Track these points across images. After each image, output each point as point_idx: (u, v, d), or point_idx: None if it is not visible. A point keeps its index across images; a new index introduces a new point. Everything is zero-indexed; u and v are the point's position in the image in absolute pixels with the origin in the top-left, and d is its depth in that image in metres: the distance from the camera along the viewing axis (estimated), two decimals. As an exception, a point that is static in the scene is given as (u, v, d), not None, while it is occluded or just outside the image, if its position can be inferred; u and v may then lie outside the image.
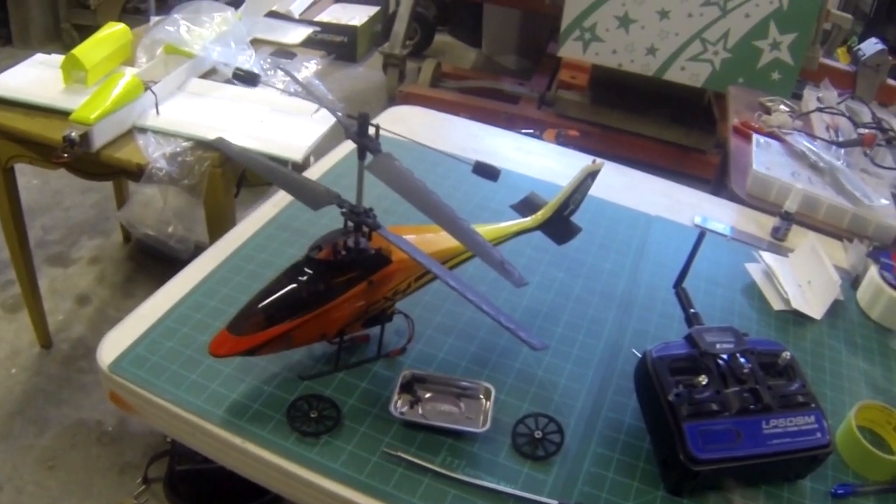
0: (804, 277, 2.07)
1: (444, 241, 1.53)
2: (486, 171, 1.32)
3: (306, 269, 1.38)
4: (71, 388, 3.29)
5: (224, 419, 1.41)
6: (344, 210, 1.37)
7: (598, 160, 1.75)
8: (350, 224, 1.39)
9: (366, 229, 1.40)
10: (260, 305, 1.36)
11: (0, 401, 3.20)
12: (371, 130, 1.34)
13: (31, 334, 3.45)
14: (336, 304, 1.39)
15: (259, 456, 1.38)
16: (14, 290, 3.66)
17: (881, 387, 1.81)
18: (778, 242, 2.29)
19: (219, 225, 2.63)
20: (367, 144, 1.32)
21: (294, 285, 1.37)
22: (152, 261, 3.98)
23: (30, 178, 2.87)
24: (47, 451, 3.01)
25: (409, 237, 1.41)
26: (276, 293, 1.37)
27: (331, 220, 1.44)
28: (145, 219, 3.21)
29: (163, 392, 1.45)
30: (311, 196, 1.40)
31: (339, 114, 1.44)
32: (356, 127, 1.31)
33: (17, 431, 3.08)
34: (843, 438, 1.60)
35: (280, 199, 1.98)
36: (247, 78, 1.47)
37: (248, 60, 2.99)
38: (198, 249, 1.75)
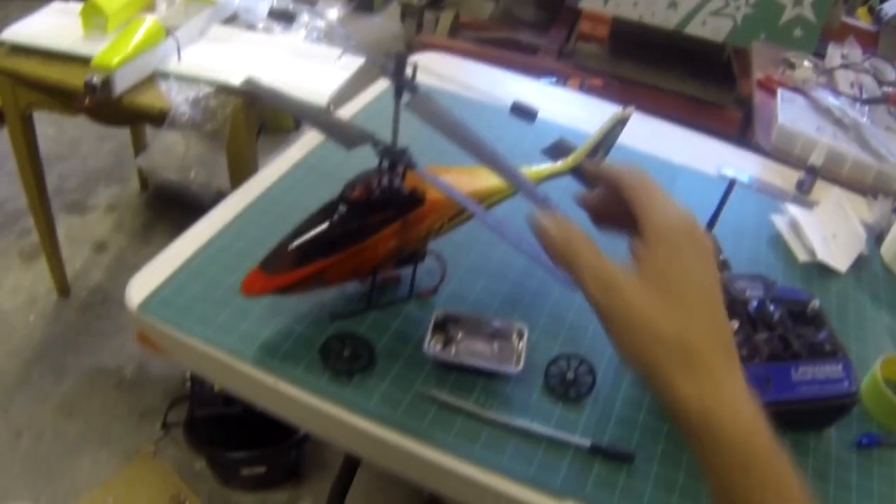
0: (829, 231, 2.07)
1: (477, 181, 1.53)
2: (524, 112, 1.31)
3: (340, 208, 1.38)
4: (89, 334, 3.31)
5: (256, 358, 1.41)
6: (379, 150, 1.37)
7: (629, 107, 1.74)
8: (385, 164, 1.39)
9: (400, 169, 1.40)
10: (294, 244, 1.36)
11: (19, 348, 3.22)
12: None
13: (48, 282, 3.47)
14: (370, 243, 1.38)
15: (292, 395, 1.38)
16: (31, 238, 3.68)
17: (906, 340, 1.81)
18: (802, 196, 2.29)
19: (241, 170, 2.63)
20: (404, 84, 1.31)
21: (328, 224, 1.37)
22: (170, 208, 3.99)
23: (45, 127, 2.88)
24: (66, 397, 3.04)
25: (444, 178, 1.41)
26: (310, 232, 1.37)
27: (357, 162, 1.43)
28: (168, 164, 3.22)
29: (193, 332, 1.44)
30: (345, 136, 1.39)
31: (377, 57, 1.44)
32: (393, 67, 1.30)
33: (36, 378, 3.10)
34: (868, 390, 1.60)
35: (306, 142, 1.97)
36: (282, 16, 1.46)
37: (269, 6, 2.98)
38: (219, 196, 1.74)
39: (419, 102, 1.29)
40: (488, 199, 1.55)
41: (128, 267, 3.64)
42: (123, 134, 4.22)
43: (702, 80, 4.48)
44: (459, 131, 1.29)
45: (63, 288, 3.48)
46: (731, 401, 0.87)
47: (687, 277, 0.91)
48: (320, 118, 1.53)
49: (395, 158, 1.37)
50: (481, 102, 1.37)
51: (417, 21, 5.29)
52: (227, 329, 1.45)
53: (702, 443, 0.87)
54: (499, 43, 4.76)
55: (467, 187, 1.48)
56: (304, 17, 2.96)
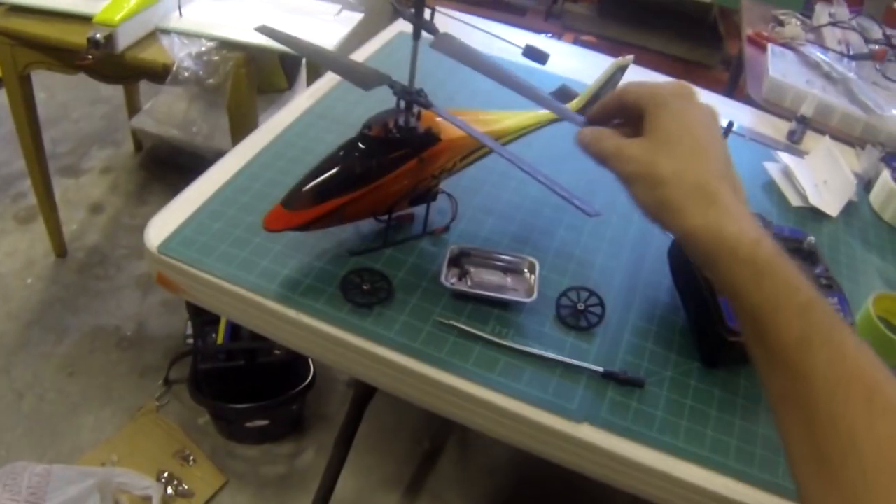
0: (820, 177, 2.12)
1: (491, 124, 1.58)
2: (536, 55, 1.35)
3: (359, 146, 1.41)
4: (87, 295, 3.34)
5: (277, 293, 1.45)
6: (396, 90, 1.41)
7: (628, 56, 1.79)
8: (402, 104, 1.43)
9: (416, 109, 1.44)
10: (314, 181, 1.39)
11: (18, 310, 3.24)
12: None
13: (45, 244, 3.49)
14: (388, 180, 1.42)
15: (314, 327, 1.41)
16: (25, 202, 3.70)
17: (894, 281, 1.87)
18: (794, 145, 2.34)
19: (242, 126, 2.66)
20: (424, 25, 1.35)
21: (347, 161, 1.40)
22: (165, 169, 4.01)
23: (36, 91, 2.88)
24: (66, 358, 3.06)
25: (459, 118, 1.45)
26: (329, 170, 1.40)
27: (367, 109, 1.47)
28: (170, 120, 3.24)
29: (214, 269, 1.48)
30: (363, 77, 1.43)
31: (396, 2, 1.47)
32: (413, 7, 1.34)
33: (36, 340, 3.12)
34: (862, 326, 1.65)
35: (315, 91, 2.00)
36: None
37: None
38: (219, 155, 1.77)
39: (442, 40, 1.34)
40: (500, 139, 1.60)
41: (124, 228, 3.66)
42: (115, 97, 4.23)
43: (689, 42, 4.52)
44: (487, 63, 1.34)
45: (60, 250, 3.49)
46: (736, 222, 0.98)
47: (686, 130, 1.07)
48: (338, 61, 1.57)
49: (412, 98, 1.41)
50: (480, 52, 1.41)
51: (401, -20, 5.31)
52: (248, 266, 1.49)
53: (716, 263, 0.98)
54: (487, 3, 4.79)
55: (481, 128, 1.52)
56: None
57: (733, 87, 3.63)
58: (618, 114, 1.20)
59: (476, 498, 2.75)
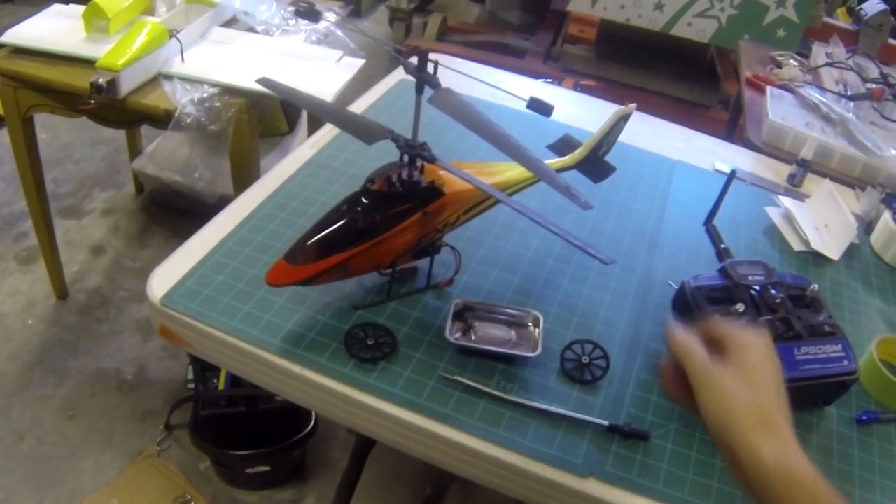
0: (821, 221, 2.13)
1: (493, 176, 1.59)
2: (541, 107, 1.36)
3: (363, 200, 1.42)
4: (89, 337, 3.33)
5: (281, 348, 1.45)
6: (399, 144, 1.41)
7: (631, 104, 1.80)
8: (405, 158, 1.43)
9: (419, 163, 1.44)
10: (317, 236, 1.40)
11: (18, 352, 3.23)
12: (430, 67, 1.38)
13: (46, 286, 3.48)
14: (391, 235, 1.43)
15: (318, 382, 1.41)
16: (27, 242, 3.69)
17: (897, 324, 1.87)
18: (794, 188, 2.35)
19: (244, 171, 2.67)
20: (426, 80, 1.35)
21: (351, 216, 1.41)
22: (166, 212, 4.01)
23: (38, 132, 2.88)
24: (67, 400, 3.05)
25: (468, 172, 1.46)
26: (333, 224, 1.41)
27: (370, 159, 1.49)
28: (172, 165, 3.25)
29: (217, 323, 1.48)
30: (365, 130, 1.43)
31: (398, 53, 1.48)
32: (416, 63, 1.35)
33: (37, 382, 3.11)
34: (865, 369, 1.66)
35: (317, 141, 2.01)
36: (308, 14, 1.50)
37: (268, 9, 3.01)
38: (221, 201, 1.78)
39: (441, 97, 1.34)
40: (504, 192, 1.60)
41: (125, 270, 3.66)
42: (117, 139, 4.24)
43: (687, 82, 4.53)
44: (483, 123, 1.34)
45: (61, 291, 3.49)
46: (796, 455, 1.07)
47: (761, 369, 1.16)
48: (338, 114, 1.58)
49: (415, 152, 1.41)
50: (483, 100, 1.42)
51: (406, 25, 5.33)
52: (251, 320, 1.49)
53: (777, 491, 1.04)
54: (486, 46, 4.80)
55: (485, 180, 1.53)
56: (300, 23, 3.00)
57: (732, 129, 3.64)
58: (702, 338, 1.23)
59: (478, 543, 2.75)
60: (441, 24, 5.06)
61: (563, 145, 1.86)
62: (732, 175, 1.75)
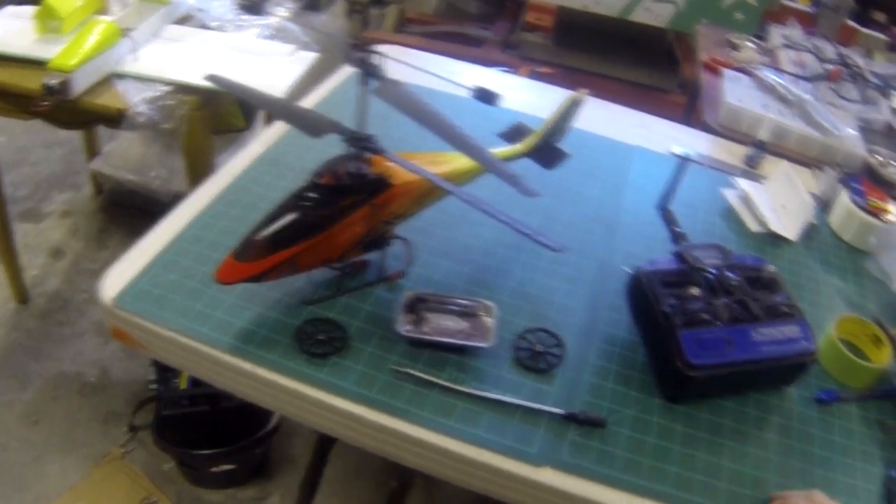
0: (779, 202, 2.13)
1: (438, 166, 1.57)
2: (487, 96, 1.35)
3: (310, 195, 1.41)
4: (50, 341, 3.30)
5: (232, 346, 1.44)
6: (346, 137, 1.40)
7: (583, 90, 1.79)
8: (352, 150, 1.42)
9: (366, 155, 1.43)
10: (265, 231, 1.39)
11: (-21, 357, 3.20)
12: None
13: (5, 290, 3.44)
14: (340, 228, 1.42)
15: (269, 379, 1.40)
16: (-16, 248, 3.65)
17: (856, 303, 1.88)
18: (751, 170, 2.35)
19: (198, 168, 2.65)
20: (371, 71, 1.34)
21: (298, 210, 1.40)
22: (125, 212, 3.97)
23: (-5, 135, 2.87)
24: (30, 405, 3.02)
25: (411, 161, 1.45)
26: (281, 219, 1.39)
27: (319, 153, 1.46)
28: (126, 164, 3.22)
29: (168, 323, 1.47)
30: (312, 124, 1.43)
31: (345, 44, 1.46)
32: (360, 54, 1.34)
33: (-1, 387, 3.09)
34: (824, 349, 1.66)
35: (267, 138, 2.00)
36: (252, 6, 1.48)
37: (222, 5, 2.99)
38: (176, 196, 1.76)
39: (386, 88, 1.33)
40: (453, 182, 1.59)
41: (85, 272, 3.63)
42: (74, 140, 4.20)
43: (646, 67, 4.52)
44: (428, 115, 1.33)
45: (21, 296, 3.45)
46: None
47: None
48: (287, 109, 1.56)
49: (362, 144, 1.40)
50: (436, 90, 1.41)
51: (363, 18, 5.31)
52: (202, 319, 1.48)
53: None
54: (444, 37, 4.78)
55: (435, 170, 1.52)
56: (268, 14, 2.98)
57: (690, 113, 3.64)
58: None
59: (446, 535, 2.75)
60: (399, 16, 5.03)
61: (515, 133, 1.86)
62: (685, 159, 1.75)
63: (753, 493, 1.38)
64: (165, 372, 2.74)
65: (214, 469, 2.71)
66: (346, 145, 1.42)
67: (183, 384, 2.71)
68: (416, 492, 2.81)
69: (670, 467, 1.38)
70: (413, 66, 1.53)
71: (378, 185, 1.44)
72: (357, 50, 1.34)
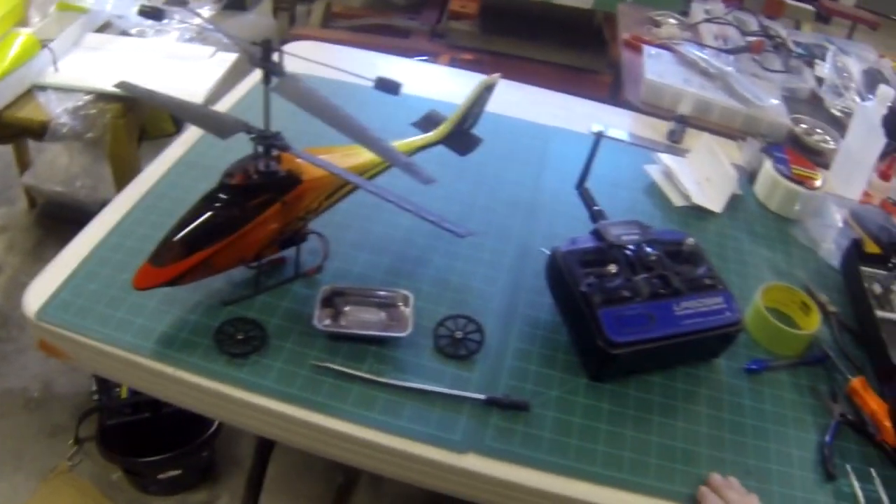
0: (702, 175, 2.14)
1: (351, 159, 1.57)
2: (388, 86, 1.35)
3: (220, 196, 1.41)
4: (-9, 358, 3.28)
5: (154, 351, 1.43)
6: (253, 136, 1.40)
7: (494, 74, 1.79)
8: (260, 149, 1.42)
9: (275, 153, 1.43)
10: (179, 235, 1.38)
11: (-82, 378, 3.17)
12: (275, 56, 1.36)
13: (-56, 309, 3.42)
14: (252, 227, 1.41)
15: (193, 382, 1.40)
16: (-79, 266, 3.62)
17: (783, 270, 1.90)
18: (674, 145, 2.36)
19: (125, 176, 2.62)
20: (271, 69, 1.34)
21: (210, 212, 1.40)
22: (60, 223, 3.94)
23: (-73, 153, 2.85)
24: (-26, 424, 3.00)
25: (320, 156, 1.45)
26: (193, 222, 1.39)
27: (238, 153, 1.46)
28: (53, 177, 3.20)
29: (91, 332, 1.46)
30: (219, 125, 1.42)
31: (246, 42, 1.46)
32: (261, 53, 1.33)
33: (-59, 407, 3.06)
34: (752, 318, 1.68)
35: (186, 139, 1.99)
36: (153, 13, 1.48)
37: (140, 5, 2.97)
38: (105, 205, 1.76)
39: (286, 85, 1.33)
40: (365, 173, 1.59)
41: (24, 287, 3.55)
42: (6, 154, 4.17)
43: (576, 49, 4.52)
44: (327, 110, 1.33)
45: (-40, 315, 3.44)
46: None
47: None
48: (194, 111, 1.56)
49: (268, 142, 1.40)
50: (353, 84, 1.41)
51: (290, 14, 5.28)
52: (124, 326, 1.47)
53: None
54: (372, 29, 4.77)
55: (343, 163, 1.52)
56: (176, 18, 2.97)
57: (617, 92, 3.65)
58: None
59: (397, 527, 2.75)
60: (325, 11, 5.00)
61: (428, 122, 1.86)
62: (599, 136, 1.75)
63: (685, 467, 1.39)
64: (106, 382, 2.73)
65: (161, 476, 2.70)
66: (254, 144, 1.42)
67: (124, 393, 2.69)
68: (363, 486, 2.81)
69: (598, 447, 1.39)
70: (317, 62, 1.53)
71: (288, 182, 1.44)
72: (259, 49, 1.34)
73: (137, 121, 2.67)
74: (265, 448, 2.39)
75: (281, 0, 5.09)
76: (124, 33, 2.91)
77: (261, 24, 4.07)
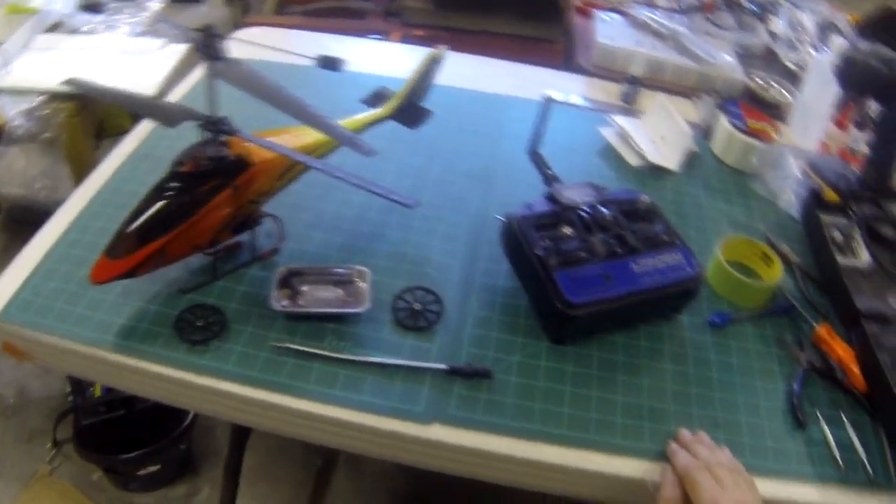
0: (657, 134, 2.15)
1: (300, 139, 1.57)
2: (330, 63, 1.35)
3: (171, 184, 1.40)
4: (-37, 367, 3.27)
5: (116, 344, 1.43)
6: (200, 122, 1.40)
7: (441, 47, 1.79)
8: (208, 135, 1.42)
9: (224, 138, 1.43)
10: (132, 226, 1.38)
11: None
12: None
13: (-86, 321, 3.40)
14: (204, 214, 1.41)
15: (156, 372, 1.40)
16: None
17: (743, 223, 1.91)
18: (629, 106, 2.37)
19: (84, 175, 2.57)
20: (213, 55, 1.34)
21: (162, 201, 1.39)
22: (25, 228, 3.91)
23: None
24: (-49, 433, 3.00)
25: (268, 139, 1.45)
26: (145, 212, 1.39)
27: (189, 142, 1.46)
28: (12, 180, 3.18)
29: (52, 330, 1.46)
30: (166, 115, 1.42)
31: (188, 29, 1.46)
32: (202, 39, 1.33)
33: (-83, 419, 3.05)
34: (713, 273, 1.69)
35: (139, 133, 1.98)
36: (93, 7, 1.47)
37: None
38: (65, 204, 1.76)
39: (228, 70, 1.33)
40: (315, 152, 1.59)
41: (-7, 293, 3.58)
42: (-35, 162, 4.16)
43: (530, 19, 4.51)
44: (269, 91, 1.33)
45: (-71, 325, 3.41)
46: None
47: None
48: (141, 103, 1.56)
49: (215, 127, 1.40)
50: (305, 67, 1.41)
51: (244, 3, 5.26)
52: (84, 321, 1.47)
53: None
54: (326, 13, 4.75)
55: (292, 144, 1.52)
56: (126, 14, 2.96)
57: (571, 59, 3.65)
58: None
59: (378, 505, 2.76)
60: (279, -3, 5.01)
61: (377, 98, 1.86)
62: (549, 101, 1.75)
63: (652, 424, 1.40)
64: (80, 382, 2.72)
65: (141, 472, 2.70)
66: (202, 130, 1.42)
67: (97, 392, 2.69)
68: (343, 467, 2.82)
69: (563, 409, 1.40)
70: (263, 46, 1.54)
71: (238, 166, 1.44)
72: (201, 35, 1.34)
73: (93, 118, 2.67)
74: (240, 436, 2.38)
75: (233, -12, 5.07)
76: (75, 32, 2.90)
77: (214, 14, 4.06)
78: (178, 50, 2.77)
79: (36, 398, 3.09)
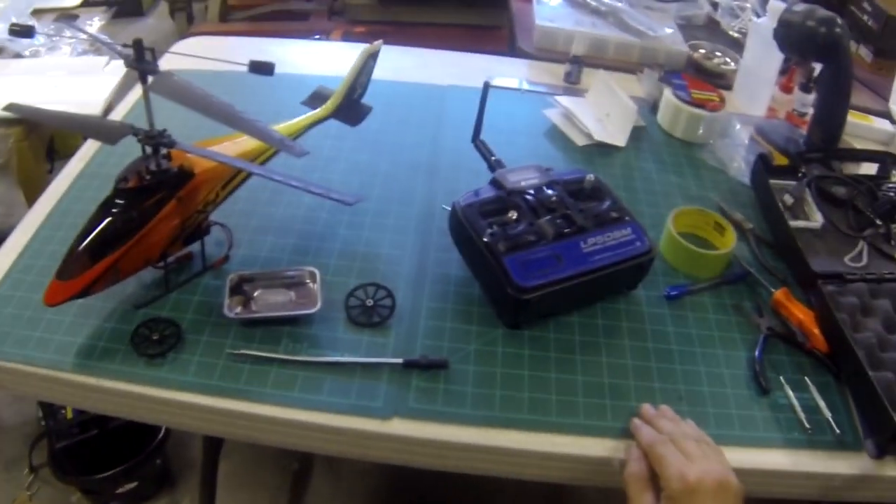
0: (602, 111, 2.16)
1: (240, 146, 1.58)
2: (261, 68, 1.36)
3: (117, 201, 1.40)
4: (-63, 399, 3.25)
5: (75, 364, 1.43)
6: (139, 137, 1.40)
7: (377, 41, 1.80)
8: (148, 149, 1.42)
9: (164, 151, 1.43)
10: (81, 246, 1.38)
11: None
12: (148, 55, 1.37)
13: None
14: (152, 228, 1.42)
15: (115, 389, 1.40)
16: None
17: (695, 195, 1.93)
18: (572, 86, 2.38)
19: (37, 198, 2.62)
20: (145, 68, 1.35)
21: (108, 218, 1.39)
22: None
23: None
24: (-75, 466, 2.98)
25: (209, 148, 1.46)
26: (93, 230, 1.39)
27: (136, 157, 1.47)
28: (-36, 211, 3.17)
29: (11, 356, 1.45)
30: (106, 132, 1.43)
31: (117, 46, 1.46)
32: (133, 53, 1.34)
33: None
34: (666, 245, 1.71)
35: (85, 152, 1.98)
36: (23, 31, 1.47)
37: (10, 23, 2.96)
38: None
39: (159, 82, 1.34)
40: (259, 158, 1.60)
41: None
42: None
43: (476, 8, 4.51)
44: (201, 101, 1.34)
45: None
46: None
47: None
48: (80, 122, 1.56)
49: (155, 141, 1.40)
50: (244, 74, 1.42)
51: (187, 13, 5.24)
52: (43, 345, 1.47)
53: None
54: (270, 17, 4.74)
55: (234, 151, 1.53)
56: (66, 34, 2.95)
57: (513, 43, 3.66)
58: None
59: (356, 504, 2.77)
60: (222, 5, 4.96)
61: (316, 98, 1.87)
62: (486, 87, 1.76)
63: (614, 401, 1.42)
64: (51, 406, 2.72)
65: (119, 490, 2.70)
66: (142, 145, 1.42)
67: (69, 414, 2.69)
68: (318, 468, 2.83)
69: (523, 394, 1.41)
70: (196, 56, 1.54)
71: (181, 178, 1.45)
72: (132, 51, 1.35)
73: (42, 141, 2.66)
74: (213, 446, 2.39)
75: (175, 1, 5.05)
76: (18, 56, 2.89)
77: (159, 27, 4.05)
78: (122, 67, 2.77)
79: (9, 425, 3.08)
